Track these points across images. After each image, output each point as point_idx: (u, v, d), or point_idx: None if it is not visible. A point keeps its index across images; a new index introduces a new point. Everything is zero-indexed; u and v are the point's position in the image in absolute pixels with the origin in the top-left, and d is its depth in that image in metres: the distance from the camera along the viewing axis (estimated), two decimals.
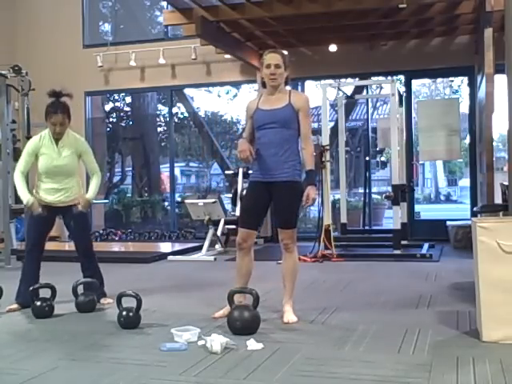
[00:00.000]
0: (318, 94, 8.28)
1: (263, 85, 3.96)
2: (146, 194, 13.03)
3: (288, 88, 3.98)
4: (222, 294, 3.99)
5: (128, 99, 13.60)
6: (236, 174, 8.11)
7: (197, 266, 6.81)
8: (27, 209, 4.46)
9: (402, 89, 8.92)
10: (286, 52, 4.03)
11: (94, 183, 4.63)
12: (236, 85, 11.71)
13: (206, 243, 7.51)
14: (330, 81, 9.08)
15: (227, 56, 8.77)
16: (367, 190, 9.41)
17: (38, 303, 4.20)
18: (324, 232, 7.10)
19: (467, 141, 9.36)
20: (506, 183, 4.93)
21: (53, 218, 4.59)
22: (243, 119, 14.94)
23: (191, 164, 15.84)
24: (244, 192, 3.99)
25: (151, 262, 7.21)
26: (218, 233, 7.68)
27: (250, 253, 4.01)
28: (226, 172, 9.70)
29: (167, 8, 8.13)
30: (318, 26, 7.71)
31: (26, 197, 4.36)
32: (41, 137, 4.50)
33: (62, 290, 5.16)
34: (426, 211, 13.00)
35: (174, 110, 12.66)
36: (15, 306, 4.43)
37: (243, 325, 3.56)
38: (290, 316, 3.83)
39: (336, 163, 8.96)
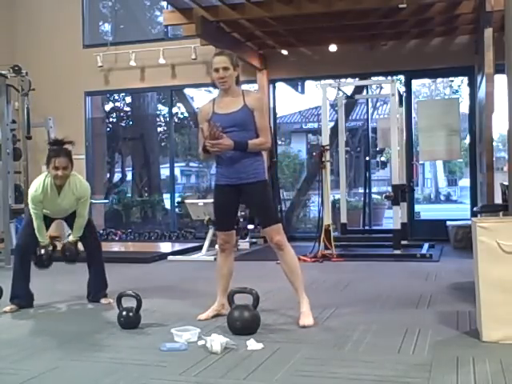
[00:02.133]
0: (318, 93, 8.28)
1: (214, 86, 3.92)
2: (146, 194, 13.03)
3: (241, 88, 3.96)
4: None
5: (128, 99, 13.60)
6: None
7: (197, 265, 6.81)
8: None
9: (402, 89, 8.92)
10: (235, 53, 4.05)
11: (79, 223, 4.55)
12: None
13: (206, 243, 7.51)
14: (330, 81, 9.08)
15: None
16: (367, 190, 9.42)
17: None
18: (324, 232, 7.10)
19: (467, 141, 9.35)
20: (506, 183, 4.93)
21: (51, 223, 4.62)
22: None
23: (191, 164, 15.84)
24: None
25: (151, 261, 7.21)
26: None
27: (231, 253, 4.05)
28: None
29: (167, 8, 8.12)
30: (317, 26, 7.71)
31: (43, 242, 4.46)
32: (42, 186, 4.37)
33: (62, 290, 5.17)
34: (425, 211, 13.00)
35: (174, 110, 12.67)
36: (13, 306, 4.42)
37: (243, 325, 3.56)
38: (306, 320, 3.75)
39: (336, 163, 8.96)
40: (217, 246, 4.14)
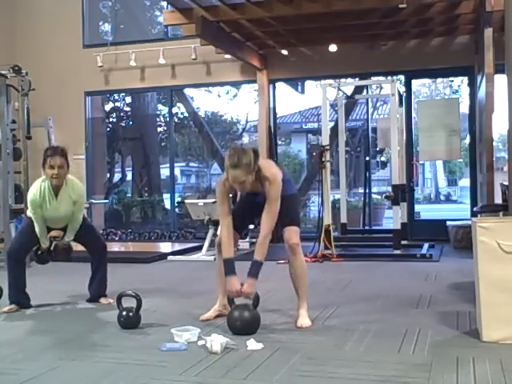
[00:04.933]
0: (318, 93, 8.29)
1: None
2: (146, 194, 13.03)
3: (261, 173, 3.68)
4: None
5: (128, 99, 13.61)
6: None
7: (197, 265, 6.81)
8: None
9: (402, 89, 8.92)
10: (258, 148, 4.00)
11: (73, 227, 4.54)
12: (236, 85, 11.72)
13: (206, 243, 7.51)
14: (330, 81, 9.08)
15: (227, 56, 8.77)
16: (367, 190, 9.42)
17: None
18: (324, 232, 7.10)
19: (467, 141, 9.35)
20: (506, 183, 4.93)
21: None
22: (243, 119, 14.98)
23: (191, 164, 15.86)
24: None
25: (151, 261, 7.21)
26: (218, 233, 7.67)
27: None
28: None
29: (167, 8, 8.12)
30: (317, 26, 7.71)
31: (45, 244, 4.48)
32: (40, 190, 4.37)
33: (62, 290, 5.17)
34: (425, 211, 13.02)
35: (174, 110, 12.68)
36: (12, 307, 4.42)
37: (243, 325, 3.56)
38: (303, 320, 3.77)
39: (336, 163, 8.97)
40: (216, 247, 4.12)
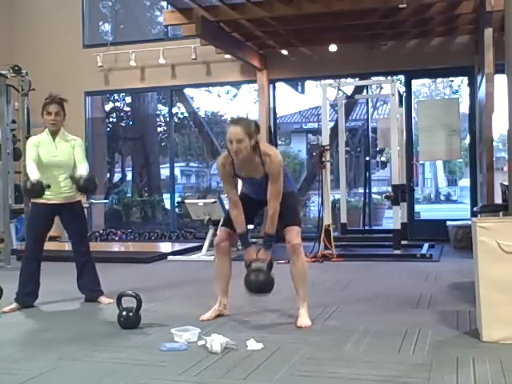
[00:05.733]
0: (318, 93, 8.29)
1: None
2: (146, 194, 13.03)
3: (261, 147, 3.73)
4: None
5: (128, 99, 13.61)
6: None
7: (197, 265, 6.81)
8: (31, 186, 4.33)
9: (402, 89, 8.92)
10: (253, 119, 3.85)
11: (82, 168, 4.52)
12: (236, 85, 11.72)
13: (206, 243, 7.51)
14: (330, 81, 9.08)
15: (227, 56, 8.77)
16: (367, 190, 9.42)
17: None
18: (324, 232, 7.10)
19: (467, 141, 9.35)
20: (506, 183, 4.93)
21: (52, 217, 4.60)
22: None
23: (191, 164, 15.85)
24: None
25: (151, 261, 7.21)
26: (218, 232, 7.67)
27: (228, 255, 4.03)
28: None
29: (167, 8, 8.12)
30: (317, 26, 7.71)
31: (35, 175, 4.30)
32: (39, 136, 4.57)
33: (62, 290, 5.17)
34: (425, 211, 13.01)
35: (174, 110, 12.67)
36: (14, 305, 4.43)
37: (259, 284, 3.71)
38: (303, 320, 3.78)
39: (336, 163, 8.97)
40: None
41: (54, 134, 4.53)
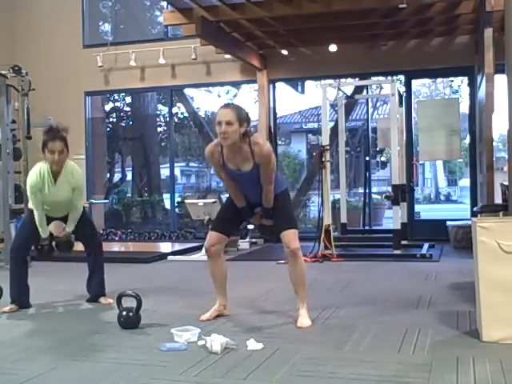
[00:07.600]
0: (318, 93, 8.29)
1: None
2: (146, 194, 13.03)
3: (248, 139, 3.63)
4: None
5: (128, 99, 13.61)
6: None
7: (197, 265, 6.80)
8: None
9: (402, 89, 8.92)
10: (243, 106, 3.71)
11: (73, 216, 4.53)
12: (236, 85, 11.72)
13: None
14: (330, 81, 9.08)
15: (227, 56, 8.77)
16: (367, 190, 9.42)
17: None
18: (324, 232, 7.10)
19: (467, 141, 9.35)
20: (506, 183, 4.93)
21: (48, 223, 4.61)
22: None
23: (191, 164, 15.85)
24: None
25: (151, 262, 7.21)
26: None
27: (220, 257, 4.01)
28: None
29: (167, 8, 8.11)
30: (317, 26, 7.71)
31: (45, 233, 4.46)
32: (40, 173, 4.35)
33: (62, 290, 5.17)
34: (425, 211, 13.01)
35: (174, 110, 12.67)
36: (12, 307, 4.42)
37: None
38: (304, 320, 3.77)
39: (336, 163, 8.97)
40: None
41: (56, 172, 4.37)
